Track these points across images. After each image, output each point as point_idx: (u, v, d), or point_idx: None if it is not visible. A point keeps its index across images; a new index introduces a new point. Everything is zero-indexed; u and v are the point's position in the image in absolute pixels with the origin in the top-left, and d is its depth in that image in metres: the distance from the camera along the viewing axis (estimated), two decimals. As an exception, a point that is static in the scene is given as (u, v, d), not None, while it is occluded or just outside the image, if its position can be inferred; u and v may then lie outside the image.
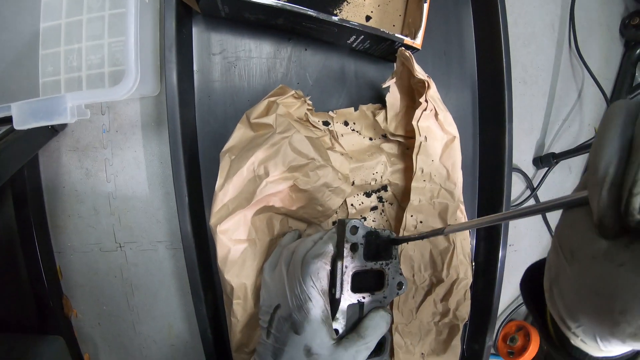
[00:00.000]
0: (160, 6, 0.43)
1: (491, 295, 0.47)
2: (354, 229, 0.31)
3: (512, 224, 0.57)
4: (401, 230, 0.43)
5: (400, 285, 0.34)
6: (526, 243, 0.61)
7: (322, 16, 0.39)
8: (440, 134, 0.44)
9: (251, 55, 0.46)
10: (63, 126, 0.46)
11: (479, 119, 0.53)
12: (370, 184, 0.46)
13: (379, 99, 0.48)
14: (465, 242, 0.46)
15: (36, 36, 0.45)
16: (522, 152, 0.60)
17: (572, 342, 0.18)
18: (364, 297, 0.32)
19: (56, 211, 0.47)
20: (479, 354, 0.49)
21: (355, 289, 0.32)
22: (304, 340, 0.30)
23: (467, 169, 0.52)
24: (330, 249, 0.31)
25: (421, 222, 0.44)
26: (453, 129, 0.44)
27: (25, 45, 0.45)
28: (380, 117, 0.45)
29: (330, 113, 0.46)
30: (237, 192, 0.37)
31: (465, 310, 0.46)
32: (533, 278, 0.24)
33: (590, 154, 0.16)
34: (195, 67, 0.45)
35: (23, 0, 0.44)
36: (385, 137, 0.47)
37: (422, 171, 0.43)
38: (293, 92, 0.41)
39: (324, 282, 0.30)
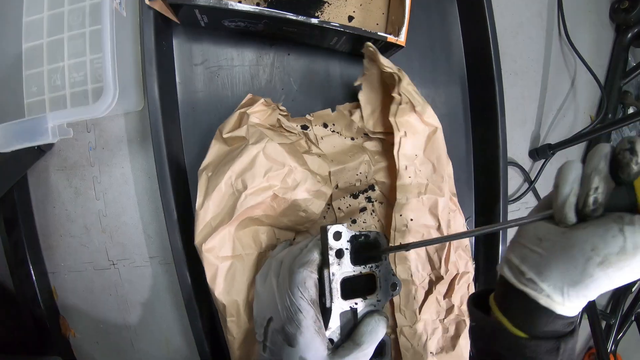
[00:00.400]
0: (140, 19, 0.43)
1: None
2: (337, 235, 0.31)
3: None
4: (391, 231, 0.42)
5: (394, 286, 0.33)
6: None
7: (302, 19, 0.39)
8: (422, 126, 0.42)
9: (233, 64, 0.46)
10: (50, 146, 0.46)
11: (471, 114, 0.52)
12: (355, 185, 0.45)
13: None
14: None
15: (19, 57, 0.45)
16: (517, 145, 0.59)
17: (539, 300, 0.23)
18: (356, 303, 0.32)
19: (48, 231, 0.46)
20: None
21: (346, 295, 0.31)
22: (299, 353, 0.29)
23: (461, 165, 0.51)
24: (315, 256, 0.31)
25: (412, 219, 0.43)
26: (434, 120, 0.43)
27: (10, 66, 0.44)
28: (356, 116, 0.44)
29: (308, 116, 0.45)
30: (218, 209, 0.37)
31: (470, 304, 0.45)
32: (478, 300, 0.29)
33: (554, 185, 0.23)
34: (177, 79, 0.44)
35: (4, 21, 0.44)
36: (367, 135, 0.46)
37: (406, 168, 0.42)
38: (262, 100, 0.40)
39: (312, 291, 0.29)
